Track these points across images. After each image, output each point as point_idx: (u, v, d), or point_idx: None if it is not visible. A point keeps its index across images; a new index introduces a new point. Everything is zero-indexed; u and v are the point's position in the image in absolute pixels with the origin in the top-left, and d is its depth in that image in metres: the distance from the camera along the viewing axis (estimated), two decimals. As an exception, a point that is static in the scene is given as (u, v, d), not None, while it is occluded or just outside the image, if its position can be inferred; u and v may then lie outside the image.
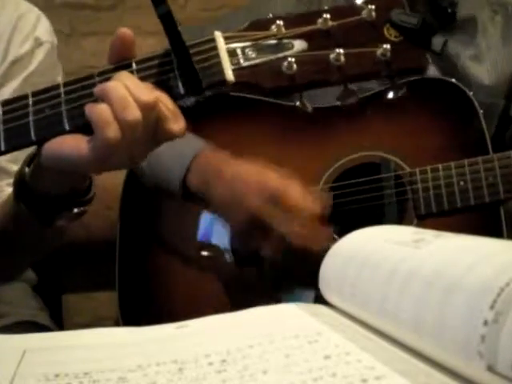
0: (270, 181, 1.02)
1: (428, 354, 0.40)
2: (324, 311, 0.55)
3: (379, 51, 0.70)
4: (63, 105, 0.70)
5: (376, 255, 0.50)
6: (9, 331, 1.00)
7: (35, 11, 1.07)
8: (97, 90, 0.69)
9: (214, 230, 1.16)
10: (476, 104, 1.08)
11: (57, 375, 0.43)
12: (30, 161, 0.77)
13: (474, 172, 1.06)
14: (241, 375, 0.41)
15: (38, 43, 1.05)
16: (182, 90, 0.70)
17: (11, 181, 0.96)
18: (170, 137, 0.69)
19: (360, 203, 1.10)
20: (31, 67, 1.03)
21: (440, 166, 1.08)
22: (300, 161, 1.14)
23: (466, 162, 1.07)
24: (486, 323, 0.34)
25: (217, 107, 1.20)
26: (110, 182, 1.59)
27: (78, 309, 1.88)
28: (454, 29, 1.16)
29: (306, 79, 0.71)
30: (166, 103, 0.68)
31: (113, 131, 0.66)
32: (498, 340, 0.33)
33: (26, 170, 0.77)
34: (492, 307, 0.34)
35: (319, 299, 0.58)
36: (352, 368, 0.39)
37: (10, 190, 0.95)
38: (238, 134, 1.18)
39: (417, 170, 1.09)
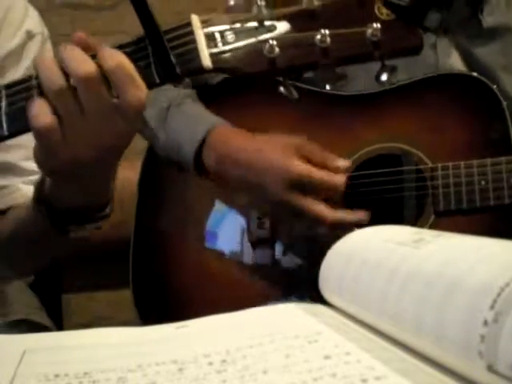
0: (292, 168, 1.01)
1: (428, 354, 0.40)
2: (324, 311, 0.55)
3: (369, 31, 0.65)
4: (36, 96, 0.67)
5: (376, 255, 0.50)
6: (5, 330, 1.01)
7: (22, 2, 1.04)
8: None
9: (226, 223, 1.16)
10: (502, 101, 1.06)
11: (57, 375, 0.43)
12: None
13: (496, 172, 1.05)
14: (241, 375, 0.41)
15: (30, 36, 1.01)
16: (156, 78, 0.67)
17: (25, 179, 0.97)
18: (131, 105, 0.65)
19: (379, 194, 1.10)
20: (26, 61, 1.00)
21: (462, 163, 1.06)
22: (322, 148, 1.13)
23: (488, 161, 1.05)
24: (486, 323, 0.34)
25: (236, 88, 1.19)
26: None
27: (78, 309, 1.89)
28: (489, 37, 1.15)
29: (288, 63, 0.67)
30: (124, 64, 0.65)
31: (41, 120, 0.65)
32: (498, 340, 0.33)
33: (47, 179, 0.76)
34: (492, 307, 0.34)
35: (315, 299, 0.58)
36: (352, 368, 0.39)
37: (24, 188, 0.96)
38: (257, 118, 1.16)
39: (439, 165, 1.08)
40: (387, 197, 1.10)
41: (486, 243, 0.42)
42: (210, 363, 0.43)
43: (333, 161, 1.04)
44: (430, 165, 1.08)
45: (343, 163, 1.04)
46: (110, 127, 0.67)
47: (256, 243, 1.14)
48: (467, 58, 1.15)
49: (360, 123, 1.13)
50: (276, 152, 1.04)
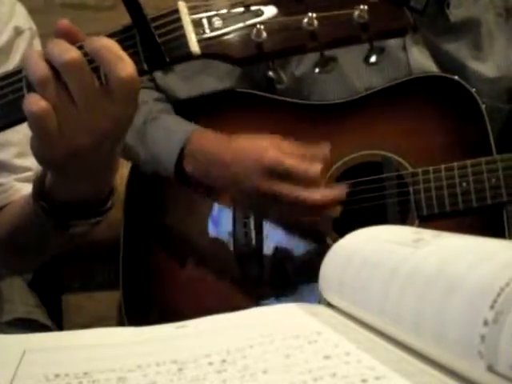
0: (266, 155, 1.02)
1: (428, 354, 0.40)
2: (324, 311, 0.55)
3: (356, 13, 0.65)
4: (24, 88, 0.68)
5: (376, 255, 0.50)
6: (5, 329, 1.01)
7: None
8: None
9: (215, 228, 1.16)
10: (480, 103, 1.06)
11: (57, 375, 0.43)
12: None
13: (477, 173, 1.05)
14: (241, 375, 0.41)
15: (18, 32, 1.01)
16: (145, 66, 0.67)
17: (19, 176, 0.97)
18: (118, 83, 0.65)
19: (362, 203, 1.10)
20: (16, 58, 1.00)
21: (443, 166, 1.07)
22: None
23: (468, 162, 1.05)
24: (486, 323, 0.34)
25: (221, 102, 1.19)
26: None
27: (78, 309, 1.88)
28: (457, 31, 1.15)
29: (276, 47, 0.67)
30: (107, 45, 0.65)
31: (35, 105, 0.65)
32: (498, 340, 0.33)
33: (48, 174, 0.76)
34: (492, 307, 0.34)
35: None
36: (352, 368, 0.39)
37: (18, 185, 0.96)
38: (237, 130, 1.17)
39: (419, 170, 1.08)
40: (370, 205, 1.09)
41: (485, 243, 0.42)
42: (210, 363, 0.43)
43: (310, 150, 1.03)
44: (411, 170, 1.08)
45: (319, 151, 1.04)
46: (103, 112, 0.67)
47: (242, 255, 1.14)
48: (436, 54, 1.15)
49: (339, 132, 1.13)
50: (250, 144, 1.05)
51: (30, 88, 0.67)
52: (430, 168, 1.07)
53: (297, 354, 0.43)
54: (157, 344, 0.51)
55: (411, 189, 1.08)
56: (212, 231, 1.16)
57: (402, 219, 1.09)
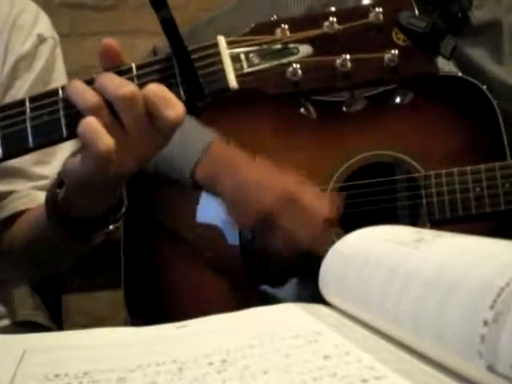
0: (286, 182, 1.02)
1: (428, 354, 0.40)
2: (324, 311, 0.55)
3: (387, 56, 0.69)
4: (61, 111, 0.69)
5: (376, 255, 0.50)
6: (9, 331, 1.01)
7: (33, 6, 1.04)
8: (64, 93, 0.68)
9: (221, 224, 1.16)
10: (496, 107, 1.05)
11: (57, 375, 0.43)
12: (61, 181, 0.76)
13: (491, 178, 1.04)
14: (241, 375, 0.41)
15: (41, 40, 1.02)
16: (183, 97, 0.68)
17: (35, 184, 0.97)
18: (168, 124, 0.67)
19: (371, 205, 1.09)
20: (39, 65, 1.01)
21: (455, 170, 1.05)
22: (311, 159, 1.11)
23: (482, 167, 1.04)
24: (486, 323, 0.34)
25: (225, 101, 1.18)
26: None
27: (78, 309, 1.89)
28: (478, 33, 1.14)
29: (310, 85, 0.70)
30: (157, 91, 0.67)
31: (104, 143, 0.65)
32: (498, 340, 0.33)
33: (58, 190, 0.77)
34: (492, 307, 0.34)
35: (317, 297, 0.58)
36: (352, 368, 0.39)
37: (34, 193, 0.96)
38: (247, 131, 1.16)
39: (432, 173, 1.06)
40: (381, 207, 1.08)
41: (486, 243, 0.42)
42: (210, 363, 0.43)
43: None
44: (423, 173, 1.07)
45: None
46: (151, 140, 0.69)
47: (247, 252, 1.14)
48: (456, 56, 1.14)
49: (349, 130, 1.12)
50: (271, 170, 1.04)
51: (68, 112, 0.68)
52: (443, 171, 1.06)
53: (297, 353, 0.43)
54: (157, 344, 0.51)
55: (423, 192, 1.07)
56: (215, 228, 1.16)
57: (413, 223, 1.07)
